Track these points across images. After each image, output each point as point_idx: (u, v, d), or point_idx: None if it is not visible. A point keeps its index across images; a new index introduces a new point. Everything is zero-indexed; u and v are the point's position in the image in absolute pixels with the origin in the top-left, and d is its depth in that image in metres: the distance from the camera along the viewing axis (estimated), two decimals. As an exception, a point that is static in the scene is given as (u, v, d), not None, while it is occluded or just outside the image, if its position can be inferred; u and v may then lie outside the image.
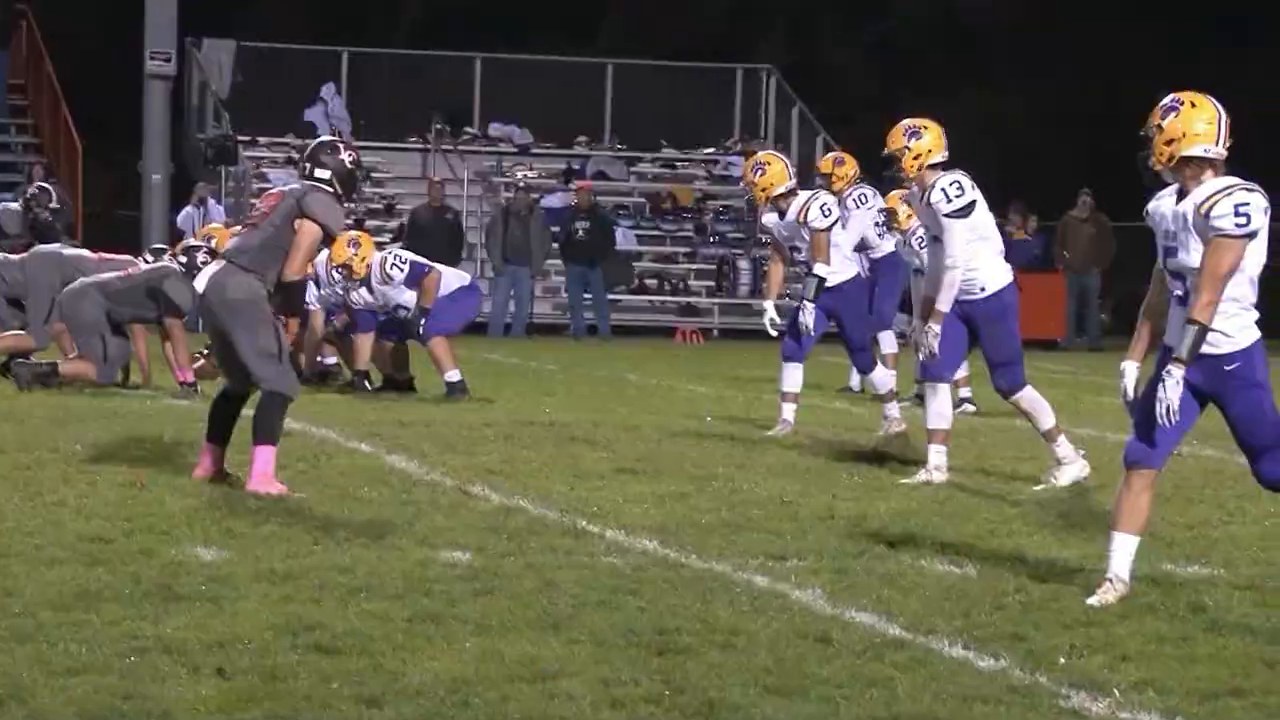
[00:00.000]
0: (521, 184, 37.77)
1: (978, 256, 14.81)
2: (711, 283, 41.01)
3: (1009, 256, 15.89)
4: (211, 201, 37.84)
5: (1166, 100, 11.19)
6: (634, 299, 38.94)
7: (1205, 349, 10.40)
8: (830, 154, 22.29)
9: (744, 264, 40.39)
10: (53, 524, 11.66)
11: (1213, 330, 10.30)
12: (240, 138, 41.05)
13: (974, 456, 16.69)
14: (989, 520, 12.99)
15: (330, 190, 13.66)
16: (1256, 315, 10.59)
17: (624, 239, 38.99)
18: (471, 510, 12.78)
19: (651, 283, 39.99)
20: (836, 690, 8.01)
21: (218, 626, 8.99)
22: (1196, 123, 11.12)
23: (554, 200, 37.63)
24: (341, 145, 14.58)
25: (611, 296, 37.15)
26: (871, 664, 8.51)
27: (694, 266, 41.40)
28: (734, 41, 48.43)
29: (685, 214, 41.81)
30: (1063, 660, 8.73)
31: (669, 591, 10.09)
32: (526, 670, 8.23)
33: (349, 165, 13.93)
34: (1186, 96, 11.30)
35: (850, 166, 21.77)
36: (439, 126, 41.36)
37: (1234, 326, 10.51)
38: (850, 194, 21.12)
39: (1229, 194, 10.58)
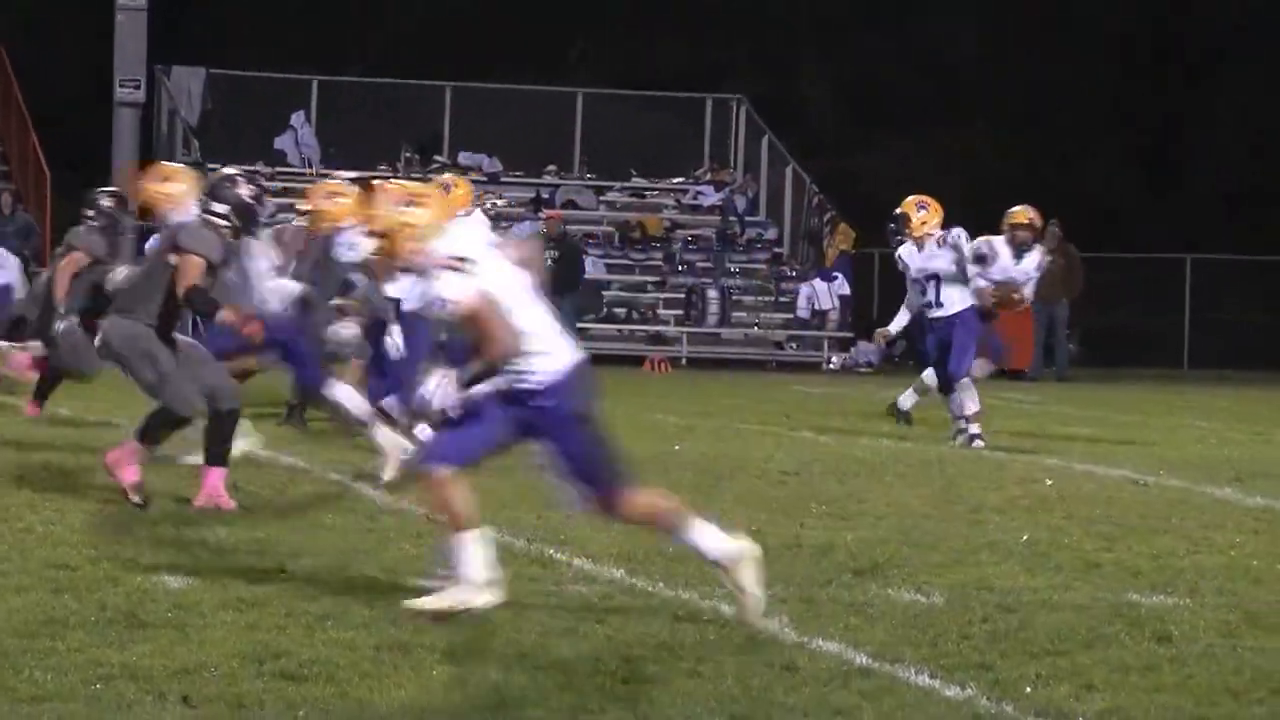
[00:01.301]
0: (491, 213, 37.91)
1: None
2: (680, 311, 41.15)
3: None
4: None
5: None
6: (603, 327, 39.02)
7: None
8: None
9: (712, 293, 40.54)
10: (19, 551, 11.68)
11: None
12: (210, 165, 41.01)
13: (941, 486, 16.75)
14: (955, 550, 13.03)
15: (221, 223, 14.19)
16: None
17: (593, 268, 39.13)
18: (438, 538, 12.83)
19: (620, 311, 40.13)
20: (803, 718, 8.06)
21: (184, 654, 8.99)
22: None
23: (523, 229, 37.79)
24: (241, 179, 15.09)
25: (580, 325, 37.26)
26: (838, 692, 8.53)
27: (663, 295, 41.54)
28: (703, 71, 48.44)
29: (654, 243, 41.93)
30: (1029, 689, 8.74)
31: (636, 620, 10.13)
32: (493, 698, 8.27)
33: (247, 199, 14.41)
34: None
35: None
36: (408, 155, 41.44)
37: None
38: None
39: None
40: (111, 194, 19.44)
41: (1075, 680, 8.97)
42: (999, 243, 21.80)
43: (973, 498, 16.07)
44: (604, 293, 39.76)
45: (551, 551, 12.36)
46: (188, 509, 13.82)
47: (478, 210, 20.46)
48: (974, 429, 20.87)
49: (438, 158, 41.78)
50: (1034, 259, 22.00)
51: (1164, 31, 56.80)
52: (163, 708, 7.93)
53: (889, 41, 54.22)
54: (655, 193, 43.68)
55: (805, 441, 21.47)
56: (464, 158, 41.99)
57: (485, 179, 41.11)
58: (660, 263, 42.15)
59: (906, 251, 21.38)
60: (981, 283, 21.47)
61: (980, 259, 21.34)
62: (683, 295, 41.03)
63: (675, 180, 44.57)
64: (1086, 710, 8.35)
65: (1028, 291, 22.23)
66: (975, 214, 21.38)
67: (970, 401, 20.88)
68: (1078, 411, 28.20)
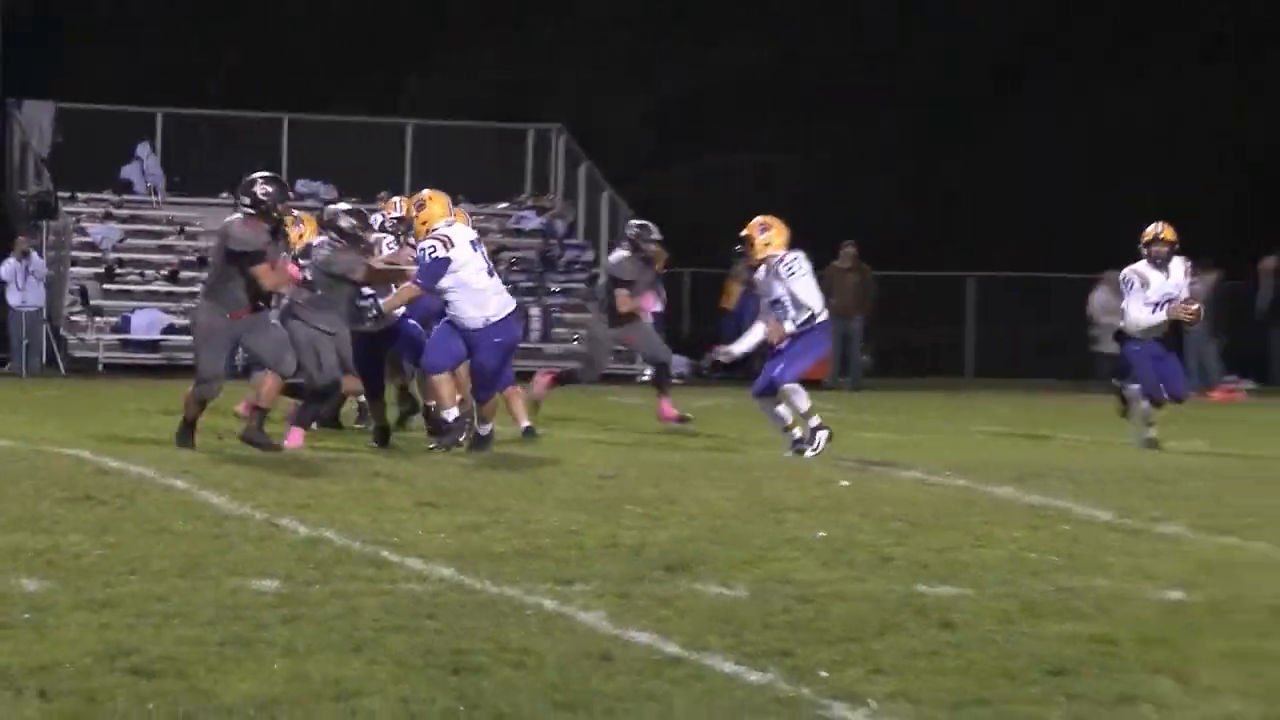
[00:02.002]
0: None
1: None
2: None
3: None
4: (34, 254, 37.52)
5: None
6: None
7: None
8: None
9: (535, 311, 40.56)
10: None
11: None
12: (61, 194, 40.74)
13: (746, 488, 16.82)
14: (759, 546, 13.11)
15: (251, 213, 16.01)
16: None
17: None
18: (280, 542, 12.81)
19: None
20: (618, 704, 8.10)
21: (40, 652, 8.94)
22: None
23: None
24: (259, 178, 15.86)
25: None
26: (650, 680, 8.61)
27: (489, 313, 41.42)
28: (525, 102, 48.44)
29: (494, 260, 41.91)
30: (824, 674, 8.83)
31: (464, 615, 10.16)
32: (331, 690, 8.28)
33: (261, 195, 16.39)
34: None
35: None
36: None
37: None
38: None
39: None
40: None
41: (866, 665, 9.06)
42: (1143, 268, 21.73)
43: (775, 498, 16.12)
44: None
45: (386, 553, 12.32)
46: (56, 510, 13.87)
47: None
48: (798, 433, 20.50)
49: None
50: (1179, 268, 21.82)
51: (950, 63, 56.77)
52: (20, 702, 7.89)
53: (697, 67, 54.35)
54: (482, 217, 43.61)
55: (621, 448, 21.52)
56: (301, 185, 41.82)
57: (321, 204, 40.99)
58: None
59: (759, 275, 20.84)
60: (1156, 314, 21.61)
61: (1132, 287, 21.56)
62: (508, 314, 41.04)
63: (500, 206, 44.54)
64: (876, 692, 8.43)
65: (1194, 304, 21.95)
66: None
67: (800, 401, 20.39)
68: (872, 418, 28.37)
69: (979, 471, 18.47)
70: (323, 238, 17.85)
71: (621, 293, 23.47)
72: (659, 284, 29.55)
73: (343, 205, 17.25)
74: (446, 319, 18.85)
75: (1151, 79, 55.60)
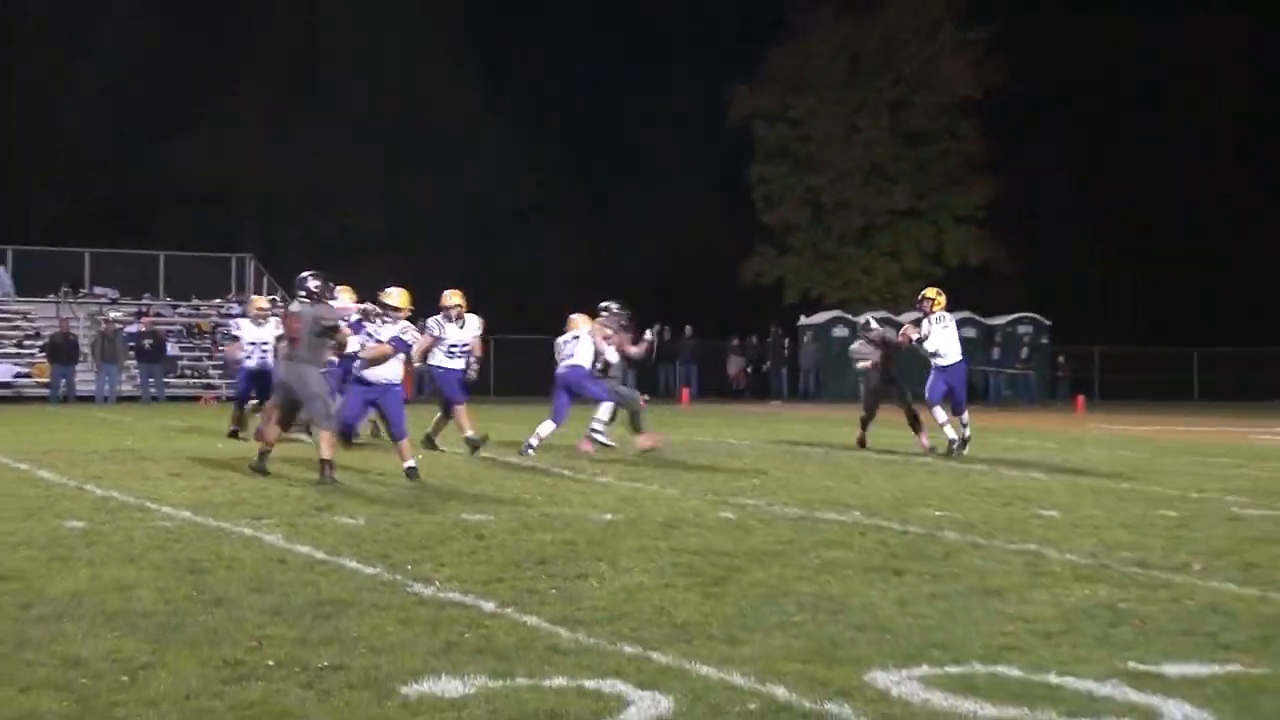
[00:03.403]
0: (112, 320, 36.86)
1: None
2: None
3: None
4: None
5: None
6: (175, 380, 37.80)
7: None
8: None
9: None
10: None
11: None
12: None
13: (360, 459, 16.96)
14: (371, 497, 13.19)
15: (318, 298, 14.83)
16: None
17: (172, 348, 38.24)
18: (84, 499, 12.64)
19: (188, 370, 39.06)
20: (289, 588, 8.32)
21: None
22: None
23: (131, 328, 36.84)
24: (308, 276, 14.97)
25: (166, 380, 36.57)
26: (307, 574, 8.79)
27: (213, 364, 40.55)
28: (226, 236, 46.49)
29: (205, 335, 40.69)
30: (409, 567, 9.09)
31: (196, 539, 10.18)
32: (115, 585, 8.35)
33: (312, 287, 14.87)
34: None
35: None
36: (66, 289, 40.44)
37: None
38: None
39: None
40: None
41: (434, 561, 9.33)
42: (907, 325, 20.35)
43: (369, 465, 16.04)
44: (178, 362, 38.90)
45: (148, 503, 12.25)
46: None
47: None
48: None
49: (83, 289, 40.82)
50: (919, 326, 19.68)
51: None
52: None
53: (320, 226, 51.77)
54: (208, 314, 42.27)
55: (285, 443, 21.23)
56: (97, 289, 40.97)
57: (109, 301, 39.93)
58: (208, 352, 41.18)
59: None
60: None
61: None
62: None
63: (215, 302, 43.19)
64: (439, 576, 8.77)
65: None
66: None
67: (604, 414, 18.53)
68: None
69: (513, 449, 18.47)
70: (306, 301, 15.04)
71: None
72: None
73: (309, 272, 15.02)
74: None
75: None
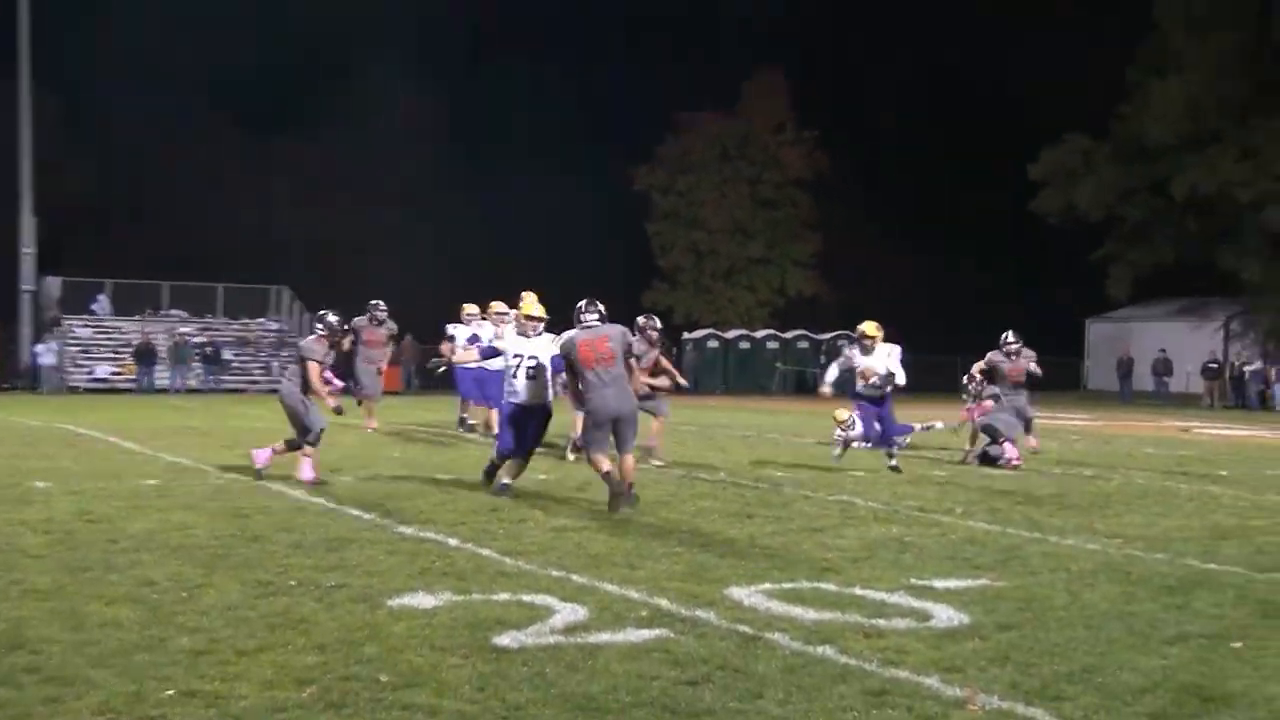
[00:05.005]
0: (182, 333, 35.68)
1: None
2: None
3: None
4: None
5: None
6: (228, 378, 36.54)
7: None
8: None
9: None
10: None
11: None
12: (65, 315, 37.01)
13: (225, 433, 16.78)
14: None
15: (323, 336, 10.99)
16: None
17: (227, 355, 36.95)
18: (157, 463, 12.22)
19: (238, 369, 37.60)
20: (303, 525, 8.30)
21: (41, 509, 8.63)
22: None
23: (197, 339, 35.62)
24: (328, 313, 11.24)
25: (221, 378, 35.60)
26: (321, 519, 8.53)
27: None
28: (267, 265, 43.77)
29: (251, 345, 39.17)
30: (396, 514, 8.82)
31: (243, 493, 9.82)
32: (177, 527, 8.15)
33: (332, 323, 11.03)
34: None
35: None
36: (149, 310, 39.02)
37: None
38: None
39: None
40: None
41: (415, 509, 9.03)
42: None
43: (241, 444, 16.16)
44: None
45: (205, 468, 11.92)
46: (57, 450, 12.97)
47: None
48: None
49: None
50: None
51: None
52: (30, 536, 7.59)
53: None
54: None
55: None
56: (173, 310, 39.07)
57: (182, 318, 38.41)
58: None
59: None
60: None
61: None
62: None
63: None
64: (418, 520, 8.50)
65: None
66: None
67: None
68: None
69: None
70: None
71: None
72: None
73: (330, 312, 11.44)
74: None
75: None
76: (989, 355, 14.70)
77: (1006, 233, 51.30)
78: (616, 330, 9.48)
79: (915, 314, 50.85)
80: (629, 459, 9.43)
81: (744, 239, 52.12)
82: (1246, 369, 35.36)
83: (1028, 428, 14.87)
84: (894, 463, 12.52)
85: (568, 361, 9.46)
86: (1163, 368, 38.38)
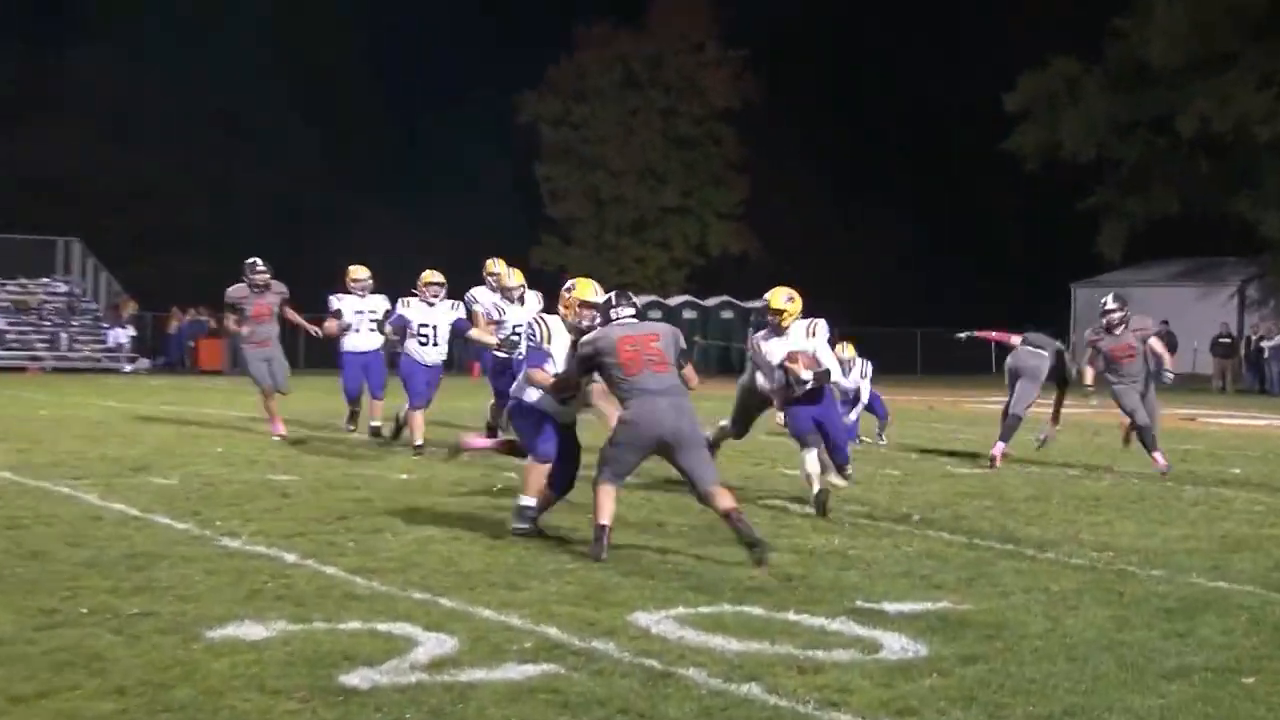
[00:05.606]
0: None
1: None
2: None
3: None
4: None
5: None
6: (3, 353, 36.14)
7: None
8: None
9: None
10: None
11: None
12: None
13: (184, 429, 16.57)
14: (186, 456, 13.02)
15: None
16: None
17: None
18: None
19: (15, 344, 37.25)
20: (104, 542, 8.06)
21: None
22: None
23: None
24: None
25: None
26: (121, 529, 8.56)
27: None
28: (57, 215, 44.69)
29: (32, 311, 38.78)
30: (218, 523, 8.92)
31: (17, 497, 9.91)
32: None
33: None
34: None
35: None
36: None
37: None
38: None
39: None
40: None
41: (242, 517, 9.15)
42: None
43: (205, 435, 16.05)
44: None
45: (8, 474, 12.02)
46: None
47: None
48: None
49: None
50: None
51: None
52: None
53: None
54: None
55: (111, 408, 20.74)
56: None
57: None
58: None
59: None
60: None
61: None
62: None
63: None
64: (246, 530, 8.57)
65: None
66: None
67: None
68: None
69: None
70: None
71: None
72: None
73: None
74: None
75: None
76: (1086, 333, 13.60)
77: (977, 178, 51.96)
78: (668, 329, 8.52)
79: (864, 277, 51.61)
80: (722, 491, 8.05)
81: (655, 184, 51.86)
82: (1265, 344, 35.28)
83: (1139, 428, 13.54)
84: (848, 483, 10.79)
85: (597, 366, 8.39)
86: (1165, 343, 38.89)
